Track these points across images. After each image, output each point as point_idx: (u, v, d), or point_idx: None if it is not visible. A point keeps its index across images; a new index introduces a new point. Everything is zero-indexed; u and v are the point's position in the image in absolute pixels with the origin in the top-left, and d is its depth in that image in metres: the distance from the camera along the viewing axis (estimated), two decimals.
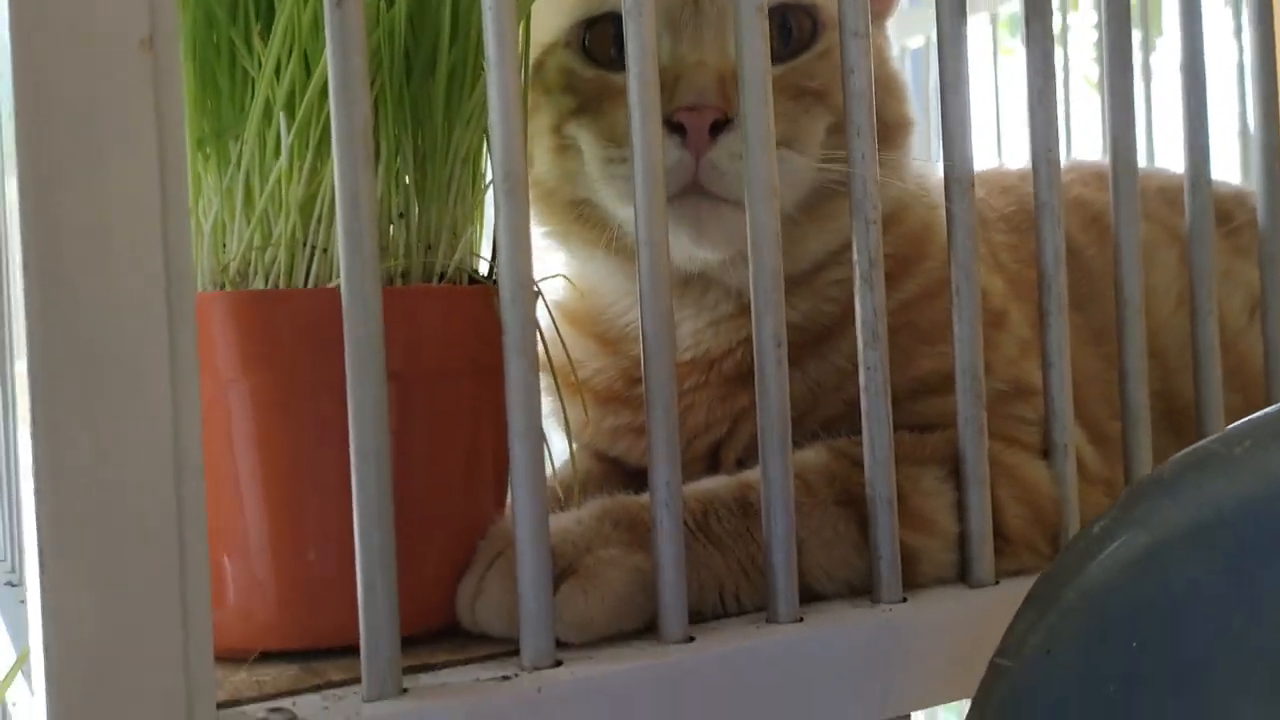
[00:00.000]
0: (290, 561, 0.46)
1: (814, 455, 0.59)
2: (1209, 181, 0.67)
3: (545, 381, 0.66)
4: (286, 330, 0.45)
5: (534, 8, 0.53)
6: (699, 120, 0.55)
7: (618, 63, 0.60)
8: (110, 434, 0.35)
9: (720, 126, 0.56)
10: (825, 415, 0.62)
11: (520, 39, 0.47)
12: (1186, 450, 0.50)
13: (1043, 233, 0.60)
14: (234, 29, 0.49)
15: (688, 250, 0.61)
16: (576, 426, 0.68)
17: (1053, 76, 0.59)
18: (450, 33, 0.49)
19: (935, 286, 0.63)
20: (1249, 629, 0.46)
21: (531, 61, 0.59)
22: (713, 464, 0.65)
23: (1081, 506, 0.60)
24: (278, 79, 0.48)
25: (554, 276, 0.66)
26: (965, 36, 0.57)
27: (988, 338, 0.63)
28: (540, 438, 0.45)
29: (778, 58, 0.60)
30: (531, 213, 0.46)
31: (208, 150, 0.49)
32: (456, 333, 0.48)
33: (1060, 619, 0.49)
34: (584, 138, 0.60)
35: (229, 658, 0.46)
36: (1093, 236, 0.78)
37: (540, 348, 0.61)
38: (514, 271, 0.45)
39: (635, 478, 0.66)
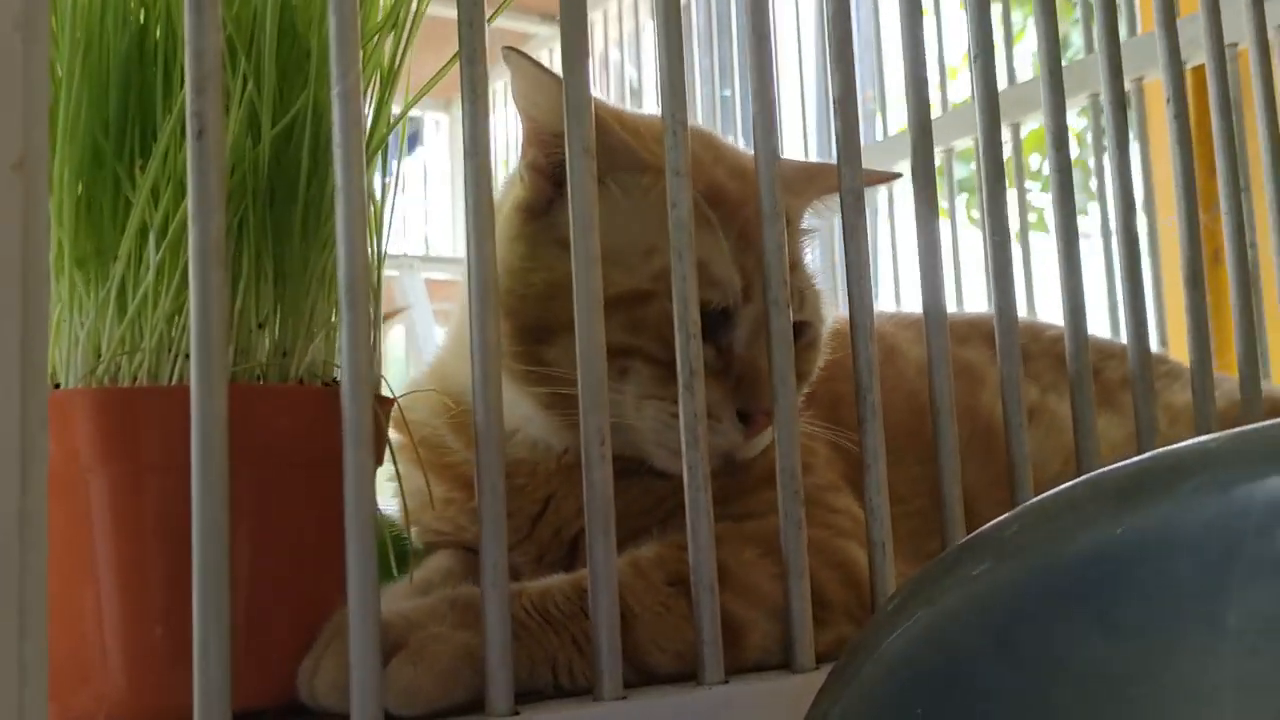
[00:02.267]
0: (138, 639, 0.50)
1: (646, 547, 0.64)
2: (1014, 307, 0.75)
3: (405, 467, 0.72)
4: (143, 424, 0.50)
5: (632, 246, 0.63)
6: (763, 423, 0.69)
7: (708, 338, 0.66)
8: None
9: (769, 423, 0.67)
10: (662, 514, 0.68)
11: (365, 175, 0.54)
12: (966, 537, 0.56)
13: (857, 350, 0.66)
14: (119, 163, 0.56)
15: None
16: (440, 506, 0.73)
17: (862, 213, 0.67)
18: (309, 169, 0.55)
19: None
20: (1015, 689, 0.51)
21: (616, 291, 0.66)
22: (574, 555, 0.70)
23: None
24: (154, 205, 0.54)
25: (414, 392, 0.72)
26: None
27: (807, 445, 0.72)
28: (371, 520, 0.50)
29: None
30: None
31: (88, 268, 0.55)
32: (305, 428, 0.53)
33: (855, 691, 0.54)
34: (650, 381, 0.69)
35: None
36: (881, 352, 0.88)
37: (406, 440, 0.67)
38: (353, 371, 0.50)
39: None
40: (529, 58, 0.66)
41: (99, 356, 0.53)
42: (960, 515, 0.69)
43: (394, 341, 2.71)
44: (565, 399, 0.68)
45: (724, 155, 0.76)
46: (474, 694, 0.53)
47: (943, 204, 1.66)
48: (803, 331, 0.77)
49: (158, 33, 0.55)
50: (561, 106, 0.64)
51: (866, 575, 0.65)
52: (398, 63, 0.59)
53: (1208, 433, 0.83)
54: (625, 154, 0.70)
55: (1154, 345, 1.48)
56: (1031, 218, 1.88)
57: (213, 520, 0.46)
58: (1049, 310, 1.48)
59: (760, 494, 0.68)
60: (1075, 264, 0.78)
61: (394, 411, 0.65)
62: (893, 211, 1.70)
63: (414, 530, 0.77)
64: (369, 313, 0.51)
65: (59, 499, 0.50)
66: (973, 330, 0.94)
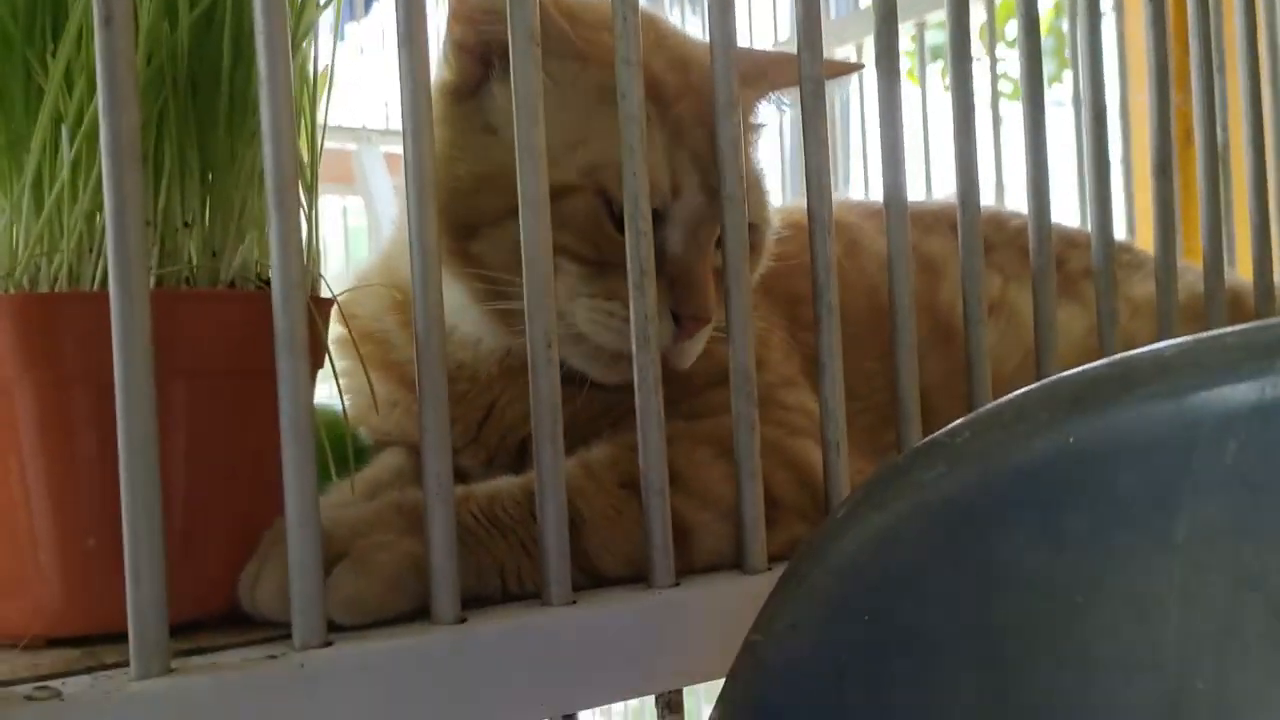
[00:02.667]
0: (72, 550, 0.49)
1: (599, 449, 0.63)
2: (977, 206, 0.73)
3: (349, 364, 0.70)
4: (65, 331, 0.48)
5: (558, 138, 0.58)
6: (696, 327, 0.67)
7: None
8: None
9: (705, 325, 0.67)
10: (615, 418, 0.66)
11: (291, 67, 0.50)
12: (919, 443, 0.56)
13: (815, 247, 0.65)
14: (29, 48, 0.52)
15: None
16: (385, 408, 0.71)
17: (821, 104, 0.65)
18: (232, 56, 0.52)
19: None
20: (965, 600, 0.50)
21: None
22: (523, 456, 0.69)
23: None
24: (67, 93, 0.51)
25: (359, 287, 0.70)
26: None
27: (763, 338, 0.70)
28: (310, 427, 0.48)
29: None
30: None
31: (2, 163, 0.52)
32: (237, 334, 0.51)
33: (807, 596, 0.53)
34: (578, 279, 0.66)
35: (15, 641, 0.49)
36: (840, 242, 0.86)
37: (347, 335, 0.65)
38: (284, 276, 0.48)
39: None
40: None
41: (16, 256, 0.50)
42: (916, 414, 0.69)
43: (353, 212, 2.65)
44: (498, 296, 0.65)
45: (665, 43, 0.72)
46: (420, 602, 0.52)
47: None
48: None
49: None
50: None
51: (820, 475, 0.64)
52: None
53: (1169, 329, 0.83)
54: (558, 40, 0.65)
55: (1120, 231, 1.47)
56: (1006, 87, 1.84)
57: (139, 432, 0.44)
58: (1018, 190, 1.46)
59: (714, 393, 0.66)
60: (1042, 161, 0.76)
61: (335, 308, 0.63)
62: (863, 97, 1.65)
63: (362, 429, 0.75)
64: (299, 213, 0.49)
65: None
66: (938, 220, 0.92)
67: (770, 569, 0.61)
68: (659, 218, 0.66)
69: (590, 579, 0.58)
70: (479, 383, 0.71)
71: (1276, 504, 0.44)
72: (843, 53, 1.68)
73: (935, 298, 0.86)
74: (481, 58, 0.67)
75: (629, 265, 0.58)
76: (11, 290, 0.49)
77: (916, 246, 0.89)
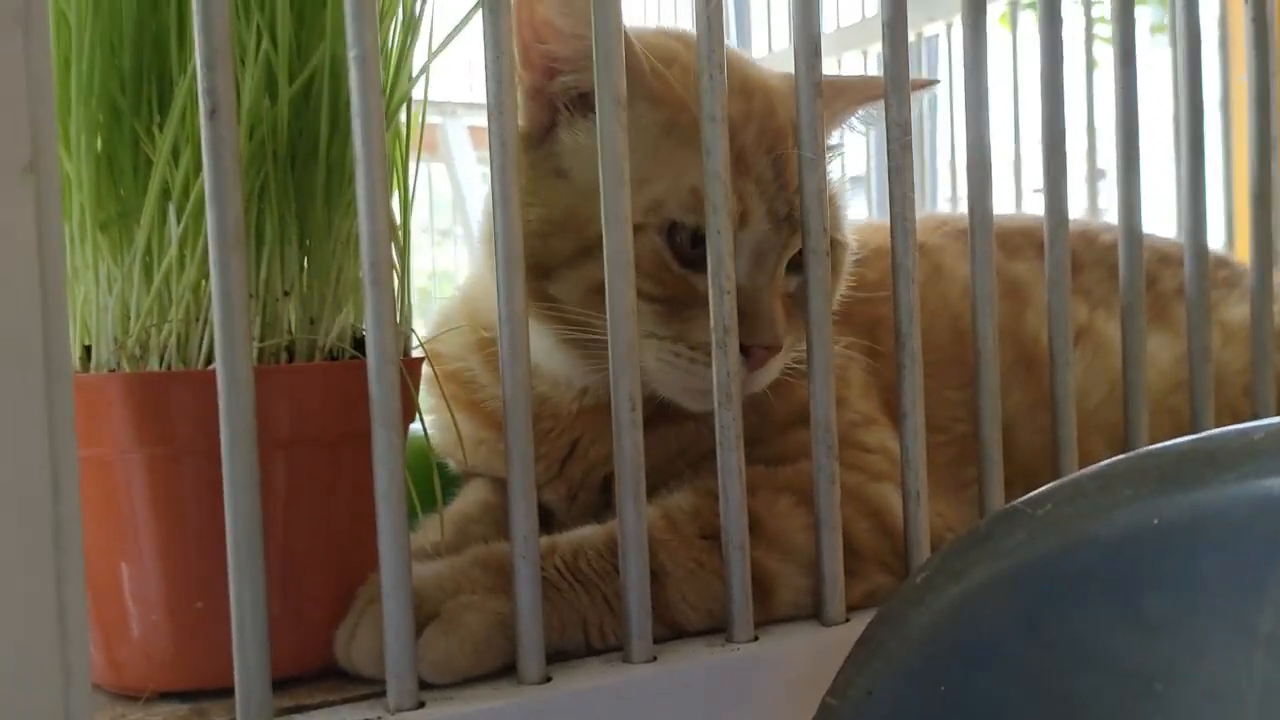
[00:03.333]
0: (182, 611, 0.51)
1: (681, 497, 0.64)
2: (1065, 239, 0.72)
3: (435, 401, 0.72)
4: (175, 408, 0.50)
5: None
6: (764, 356, 0.66)
7: (699, 266, 0.63)
8: None
9: (776, 354, 0.66)
10: (694, 456, 0.67)
11: (384, 144, 0.51)
12: (1000, 510, 0.56)
13: (898, 294, 0.64)
14: (137, 120, 0.54)
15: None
16: (471, 446, 0.73)
17: (909, 150, 0.64)
18: (329, 129, 0.53)
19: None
20: (1041, 671, 0.51)
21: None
22: (606, 492, 0.70)
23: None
24: (174, 165, 0.53)
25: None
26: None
27: (843, 373, 0.70)
28: (403, 497, 0.50)
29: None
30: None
31: (112, 232, 0.54)
32: (334, 403, 0.53)
33: (883, 663, 0.54)
34: (645, 319, 0.65)
35: (133, 695, 0.52)
36: (923, 265, 0.85)
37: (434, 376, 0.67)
38: (380, 351, 0.50)
39: None
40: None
41: (128, 325, 0.53)
42: (997, 461, 0.68)
43: (437, 180, 2.67)
44: (575, 333, 0.66)
45: (728, 69, 0.71)
46: (507, 659, 0.54)
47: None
48: None
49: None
50: (569, 26, 0.63)
51: (901, 522, 0.65)
52: (419, 10, 0.57)
53: (1264, 367, 0.81)
54: (631, 82, 0.66)
55: (1218, 232, 1.42)
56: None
57: (244, 503, 0.47)
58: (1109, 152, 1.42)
59: (794, 434, 0.67)
60: (1134, 189, 0.75)
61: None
62: (952, 103, 1.61)
63: (449, 459, 0.77)
64: (393, 290, 0.50)
65: (98, 479, 0.51)
66: (1026, 240, 0.90)
67: (849, 620, 0.62)
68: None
69: (671, 630, 0.60)
70: (561, 420, 0.72)
71: None
72: (930, 30, 1.65)
73: (1019, 324, 0.85)
74: (550, 104, 0.68)
75: (713, 323, 0.59)
76: (124, 361, 0.52)
77: (1001, 270, 0.88)
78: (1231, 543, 0.48)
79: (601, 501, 0.70)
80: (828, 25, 1.83)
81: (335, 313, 0.55)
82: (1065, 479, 0.54)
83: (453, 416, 0.67)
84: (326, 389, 0.53)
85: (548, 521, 0.73)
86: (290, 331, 0.54)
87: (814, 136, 0.61)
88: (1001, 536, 0.53)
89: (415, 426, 0.77)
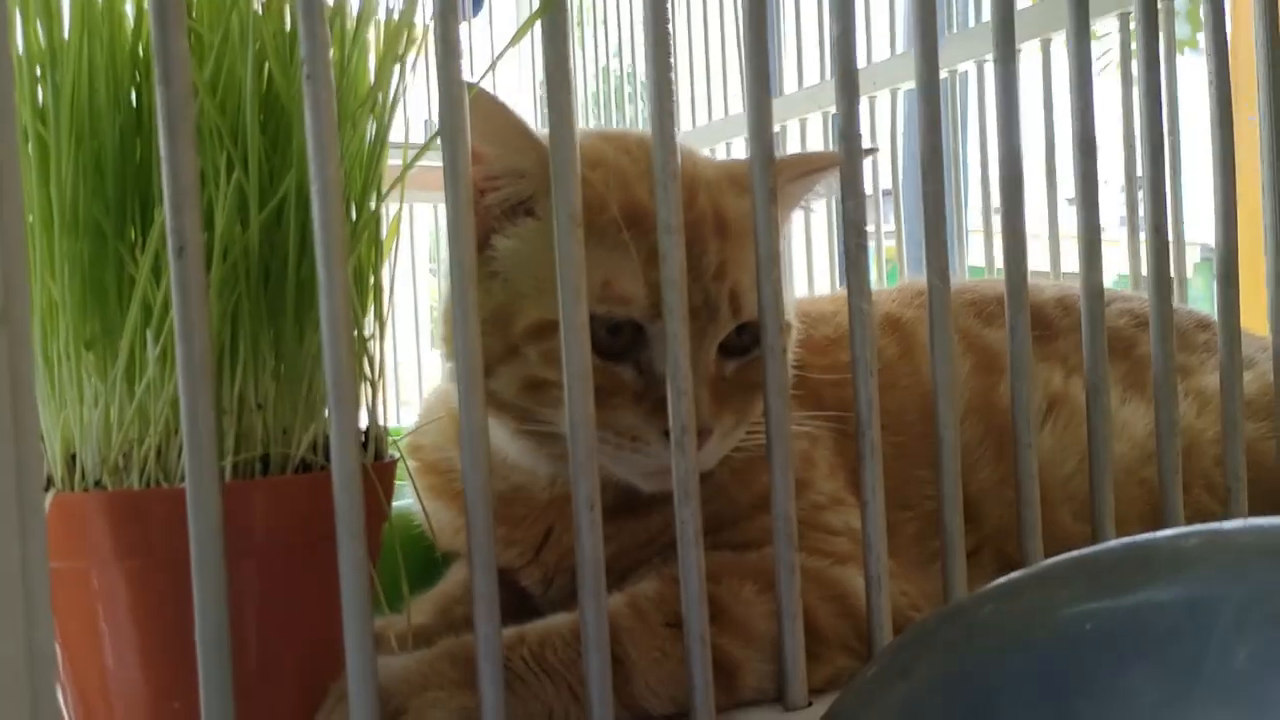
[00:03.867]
0: (160, 711, 0.54)
1: (647, 584, 0.67)
2: (1026, 319, 0.74)
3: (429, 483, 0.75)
4: (151, 524, 0.53)
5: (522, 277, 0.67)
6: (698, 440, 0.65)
7: (618, 358, 0.69)
8: None
9: (708, 437, 0.68)
10: (662, 544, 0.70)
11: (348, 270, 0.54)
12: (945, 608, 0.58)
13: (857, 386, 0.67)
14: (120, 242, 0.57)
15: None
16: (451, 532, 0.76)
17: (864, 251, 0.66)
18: (298, 250, 0.56)
19: None
20: None
21: (538, 319, 0.69)
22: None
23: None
24: (155, 285, 0.56)
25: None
26: None
27: (807, 455, 0.73)
28: (368, 603, 0.53)
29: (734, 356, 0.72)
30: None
31: (99, 350, 0.57)
32: (302, 513, 0.56)
33: None
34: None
35: None
36: (893, 339, 0.87)
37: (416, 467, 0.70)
38: (343, 467, 0.52)
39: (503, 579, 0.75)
40: (493, 98, 0.66)
41: (111, 438, 0.56)
42: (959, 551, 0.70)
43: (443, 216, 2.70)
44: (525, 424, 0.70)
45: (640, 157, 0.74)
46: None
47: None
48: (752, 334, 0.72)
49: (149, 124, 0.56)
50: (494, 150, 0.68)
51: (864, 605, 0.67)
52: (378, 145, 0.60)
53: (1235, 440, 0.82)
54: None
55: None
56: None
57: (213, 614, 0.49)
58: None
59: (758, 520, 0.69)
60: (1096, 267, 0.77)
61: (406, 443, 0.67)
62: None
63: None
64: (355, 406, 0.53)
65: (83, 588, 0.54)
66: (1002, 307, 0.92)
67: (811, 704, 0.64)
68: (641, 335, 0.69)
69: (636, 716, 0.62)
70: (535, 508, 0.75)
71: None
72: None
73: (992, 396, 0.86)
74: (485, 216, 0.71)
75: (670, 422, 0.61)
76: (106, 475, 0.55)
77: (975, 340, 0.90)
78: (1158, 652, 0.49)
79: (573, 588, 0.72)
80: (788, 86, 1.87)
81: (307, 423, 0.58)
82: (1005, 580, 0.56)
83: (424, 509, 0.70)
84: (295, 499, 0.56)
85: (527, 603, 0.76)
86: (264, 443, 0.57)
87: (769, 241, 0.64)
88: (945, 635, 0.55)
89: (410, 505, 0.80)
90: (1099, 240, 0.77)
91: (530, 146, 0.68)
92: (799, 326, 0.82)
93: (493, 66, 0.64)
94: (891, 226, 2.30)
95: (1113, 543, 0.54)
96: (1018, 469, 0.73)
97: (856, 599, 0.68)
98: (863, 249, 0.67)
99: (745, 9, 0.65)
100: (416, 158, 0.58)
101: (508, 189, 0.70)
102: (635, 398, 0.68)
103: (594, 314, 0.67)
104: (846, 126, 0.66)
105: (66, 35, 0.58)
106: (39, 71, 0.58)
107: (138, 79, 0.59)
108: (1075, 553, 0.55)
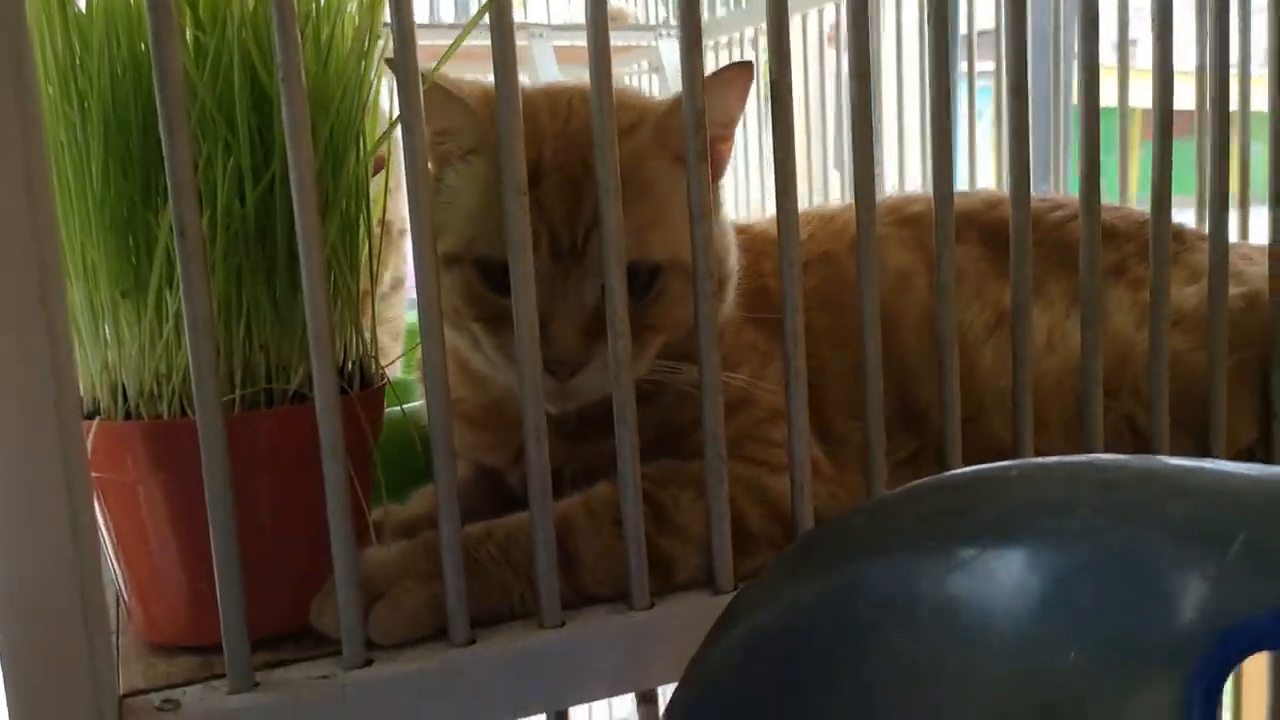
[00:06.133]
0: (191, 589, 0.69)
1: (603, 486, 0.78)
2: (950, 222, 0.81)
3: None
4: (179, 446, 0.66)
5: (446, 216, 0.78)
6: (564, 370, 0.77)
7: (505, 291, 0.74)
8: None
9: (577, 369, 0.77)
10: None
11: (323, 252, 0.65)
12: (831, 519, 0.68)
13: (788, 322, 0.76)
14: (148, 209, 0.69)
15: None
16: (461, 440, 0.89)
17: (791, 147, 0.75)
18: (288, 217, 0.67)
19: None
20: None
21: (444, 251, 0.80)
22: (559, 481, 0.85)
23: (816, 504, 0.78)
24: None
25: None
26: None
27: (757, 373, 0.83)
28: (348, 515, 0.65)
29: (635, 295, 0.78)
30: None
31: (133, 300, 0.70)
32: (302, 434, 0.68)
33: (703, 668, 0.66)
34: (484, 339, 0.81)
35: (167, 647, 0.70)
36: (855, 256, 0.94)
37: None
38: (324, 402, 0.64)
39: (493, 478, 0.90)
40: (436, 86, 0.76)
41: (144, 373, 0.69)
42: (881, 455, 0.80)
43: None
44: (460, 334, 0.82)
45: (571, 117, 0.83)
46: (440, 627, 0.70)
47: None
48: (643, 277, 0.80)
49: None
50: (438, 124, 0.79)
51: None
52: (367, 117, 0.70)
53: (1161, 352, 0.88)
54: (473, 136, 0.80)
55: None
56: None
57: (222, 515, 0.63)
58: None
59: (698, 435, 0.79)
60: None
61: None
62: None
63: None
64: (333, 357, 0.65)
65: (129, 496, 0.68)
66: (967, 223, 0.98)
67: (738, 588, 0.76)
68: None
69: (584, 600, 0.74)
70: (512, 418, 0.84)
71: None
72: None
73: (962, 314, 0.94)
74: (438, 159, 0.83)
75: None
76: (143, 404, 0.68)
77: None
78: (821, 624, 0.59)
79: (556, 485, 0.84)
80: None
81: (302, 360, 0.70)
82: (879, 497, 0.66)
83: None
84: (290, 425, 0.69)
85: (513, 497, 0.88)
86: (266, 378, 0.69)
87: (699, 195, 0.73)
88: (827, 542, 0.66)
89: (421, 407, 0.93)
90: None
91: (466, 114, 0.80)
92: (764, 250, 0.91)
93: (441, 63, 0.73)
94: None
95: (966, 470, 0.63)
96: (942, 389, 0.82)
97: (785, 503, 0.78)
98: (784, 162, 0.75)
99: None
100: (381, 138, 0.68)
101: (447, 143, 0.82)
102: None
103: (485, 255, 0.79)
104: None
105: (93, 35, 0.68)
106: (65, 58, 0.69)
107: None
108: (937, 477, 0.65)
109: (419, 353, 0.89)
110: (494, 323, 0.80)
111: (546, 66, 2.71)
